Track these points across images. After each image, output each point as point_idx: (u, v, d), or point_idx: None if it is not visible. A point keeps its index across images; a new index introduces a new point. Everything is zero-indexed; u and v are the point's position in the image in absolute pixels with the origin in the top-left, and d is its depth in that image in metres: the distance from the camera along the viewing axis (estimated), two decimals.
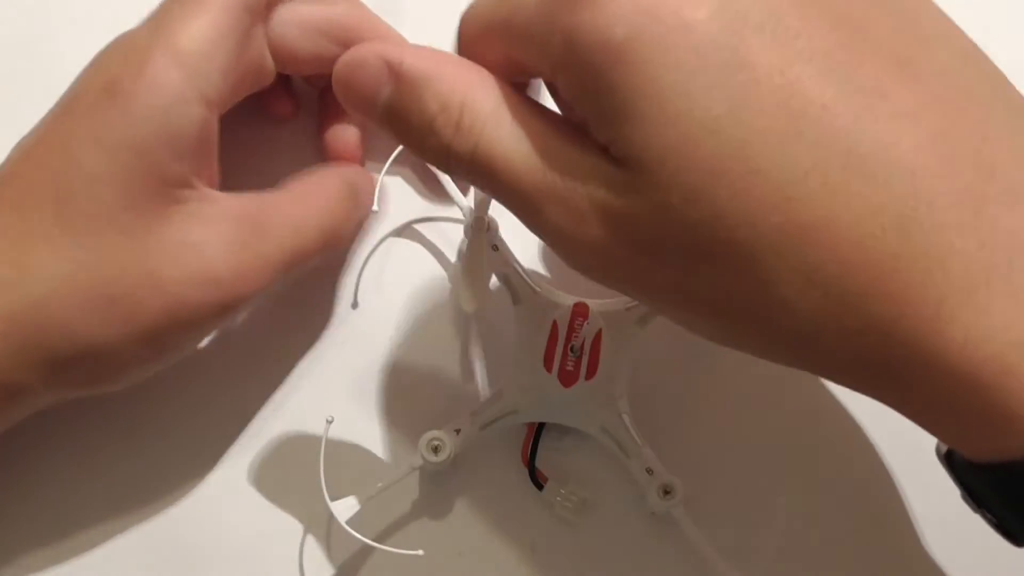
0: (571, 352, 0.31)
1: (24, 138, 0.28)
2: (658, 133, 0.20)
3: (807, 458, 0.33)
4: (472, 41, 0.25)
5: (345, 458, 0.32)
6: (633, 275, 0.23)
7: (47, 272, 0.26)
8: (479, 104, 0.23)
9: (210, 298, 0.27)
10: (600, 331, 0.31)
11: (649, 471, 0.31)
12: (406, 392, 0.33)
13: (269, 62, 0.31)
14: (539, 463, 0.32)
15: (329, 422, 0.30)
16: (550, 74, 0.23)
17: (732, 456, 0.33)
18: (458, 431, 0.31)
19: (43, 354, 0.26)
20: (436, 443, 0.30)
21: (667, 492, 0.30)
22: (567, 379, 0.31)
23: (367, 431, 0.33)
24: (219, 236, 0.27)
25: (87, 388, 0.28)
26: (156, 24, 0.28)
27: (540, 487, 0.32)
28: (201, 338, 0.30)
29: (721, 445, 0.33)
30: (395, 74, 0.23)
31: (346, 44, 0.30)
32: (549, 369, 0.31)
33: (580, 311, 0.32)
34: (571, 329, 0.31)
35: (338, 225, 0.30)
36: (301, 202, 0.30)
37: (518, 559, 0.32)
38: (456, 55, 0.25)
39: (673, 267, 0.22)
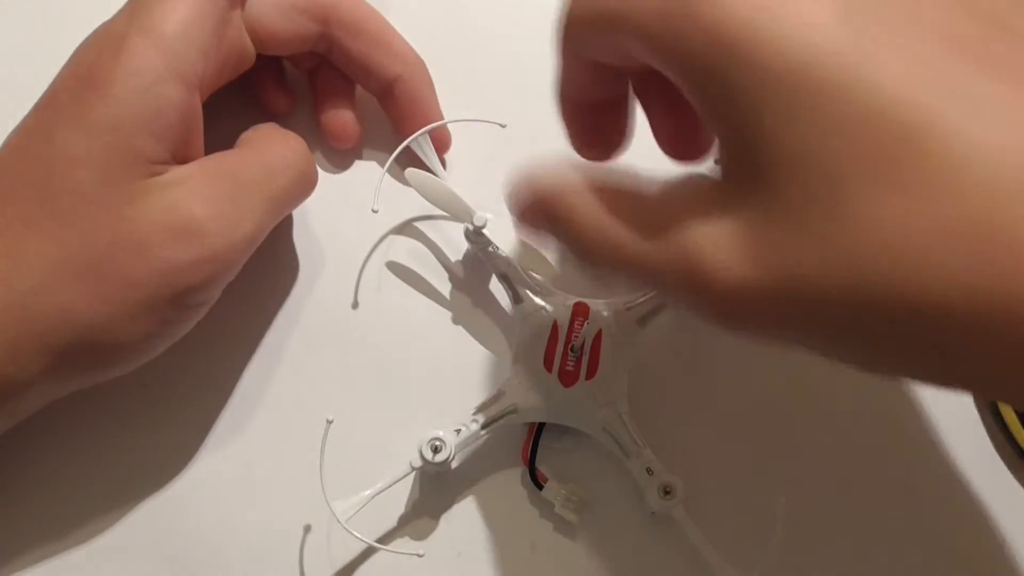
0: (571, 352, 0.31)
1: (11, 133, 0.28)
2: (794, 128, 0.19)
3: (806, 458, 0.33)
4: (581, 25, 0.23)
5: (345, 458, 0.32)
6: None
7: (36, 259, 0.26)
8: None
9: (198, 254, 0.27)
10: (600, 331, 0.31)
11: (649, 471, 0.31)
12: (406, 392, 0.33)
13: (249, 44, 0.31)
14: (539, 463, 0.32)
15: (329, 422, 0.30)
16: (664, 64, 0.21)
17: (732, 456, 0.33)
18: (458, 431, 0.31)
19: (43, 342, 0.26)
20: (436, 443, 0.30)
21: (667, 492, 0.30)
22: (567, 379, 0.31)
23: (367, 431, 0.33)
24: (196, 191, 0.28)
25: (93, 373, 0.28)
26: (133, 10, 0.28)
27: (540, 487, 0.32)
28: (200, 306, 0.29)
29: (721, 445, 0.33)
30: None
31: (324, 21, 0.32)
32: (549, 369, 0.31)
33: (580, 311, 0.32)
34: (571, 329, 0.31)
35: (306, 163, 0.31)
36: (267, 149, 0.30)
37: (518, 559, 0.32)
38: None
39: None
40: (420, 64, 0.34)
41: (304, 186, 0.31)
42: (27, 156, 0.27)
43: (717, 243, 0.20)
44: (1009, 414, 0.32)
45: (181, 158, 0.29)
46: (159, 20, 0.28)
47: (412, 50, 0.34)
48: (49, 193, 0.27)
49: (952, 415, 0.33)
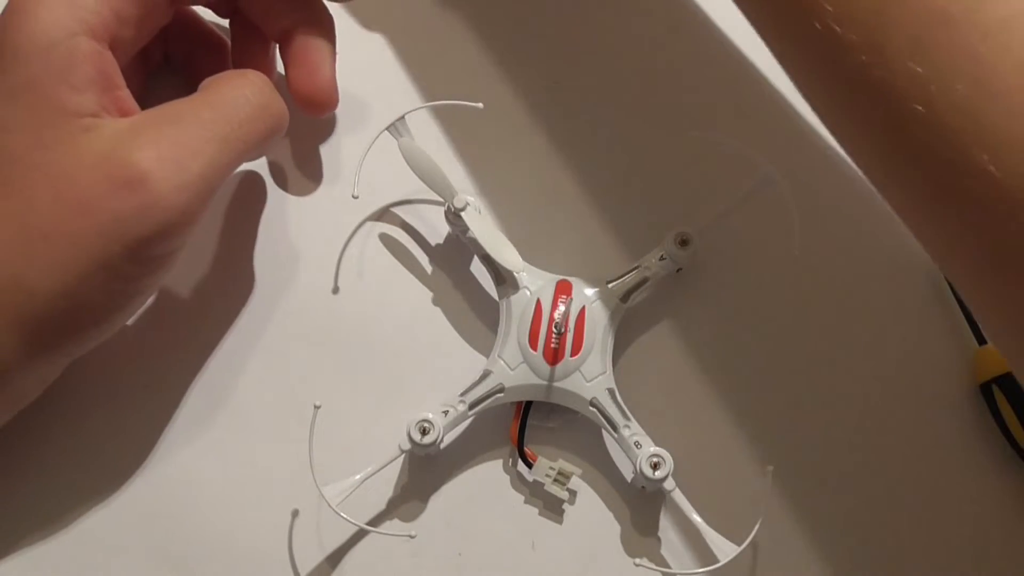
0: (555, 330, 0.31)
1: None
2: None
3: (795, 429, 0.33)
4: None
5: (333, 443, 0.32)
6: None
7: None
8: None
9: (143, 200, 0.26)
10: (584, 308, 0.32)
11: (637, 444, 0.31)
12: (392, 376, 0.33)
13: None
14: (528, 442, 0.32)
15: (317, 408, 0.30)
16: None
17: (719, 427, 0.33)
18: (446, 412, 0.31)
19: (7, 318, 0.26)
20: (424, 425, 0.30)
21: (655, 465, 0.31)
22: (552, 356, 0.31)
23: (355, 416, 0.33)
24: (134, 138, 0.27)
25: (71, 342, 0.28)
26: None
27: (530, 465, 0.32)
28: (162, 258, 0.28)
29: (707, 417, 0.33)
30: None
31: None
32: (534, 347, 0.31)
33: (563, 289, 0.32)
34: (554, 307, 0.32)
35: (266, 96, 0.30)
36: (217, 89, 0.29)
37: (510, 538, 0.32)
38: None
39: None
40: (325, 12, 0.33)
41: (267, 121, 0.30)
42: None
43: None
44: (1009, 414, 0.32)
45: (115, 113, 0.28)
46: None
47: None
48: None
49: (951, 410, 0.33)
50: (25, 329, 0.26)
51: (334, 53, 0.32)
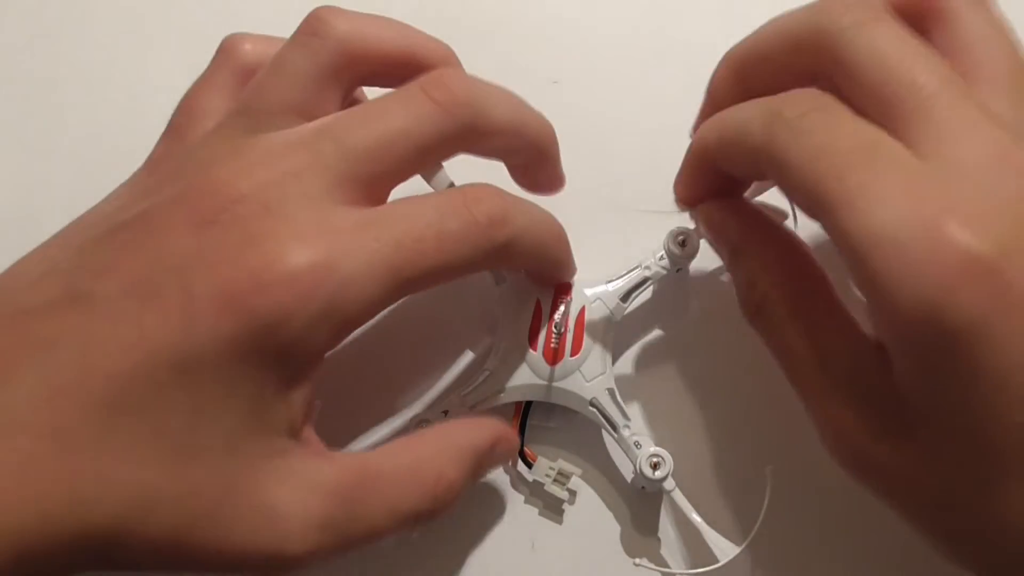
0: (555, 329, 0.31)
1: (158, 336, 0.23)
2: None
3: (795, 430, 0.33)
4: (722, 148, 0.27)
5: (333, 444, 0.32)
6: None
7: (125, 496, 0.22)
8: None
9: (274, 569, 0.24)
10: (583, 308, 0.32)
11: (637, 444, 0.31)
12: (392, 376, 0.33)
13: None
14: (527, 442, 0.32)
15: (316, 409, 0.30)
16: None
17: (719, 427, 0.33)
18: (446, 412, 0.31)
19: (98, 567, 0.23)
20: (424, 425, 0.30)
21: (656, 465, 0.31)
22: (552, 356, 0.31)
23: (354, 415, 0.33)
24: (306, 511, 0.24)
25: None
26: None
27: (529, 465, 0.32)
28: None
29: (707, 417, 0.33)
30: None
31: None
32: (534, 347, 0.31)
33: (563, 289, 0.32)
34: (554, 307, 0.32)
35: (437, 509, 0.26)
36: (408, 480, 0.26)
37: (510, 540, 0.32)
38: None
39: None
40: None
41: (415, 529, 0.26)
42: (156, 385, 0.22)
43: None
44: None
45: (307, 419, 0.25)
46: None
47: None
48: (163, 434, 0.22)
49: None
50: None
51: (559, 159, 0.31)
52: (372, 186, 0.25)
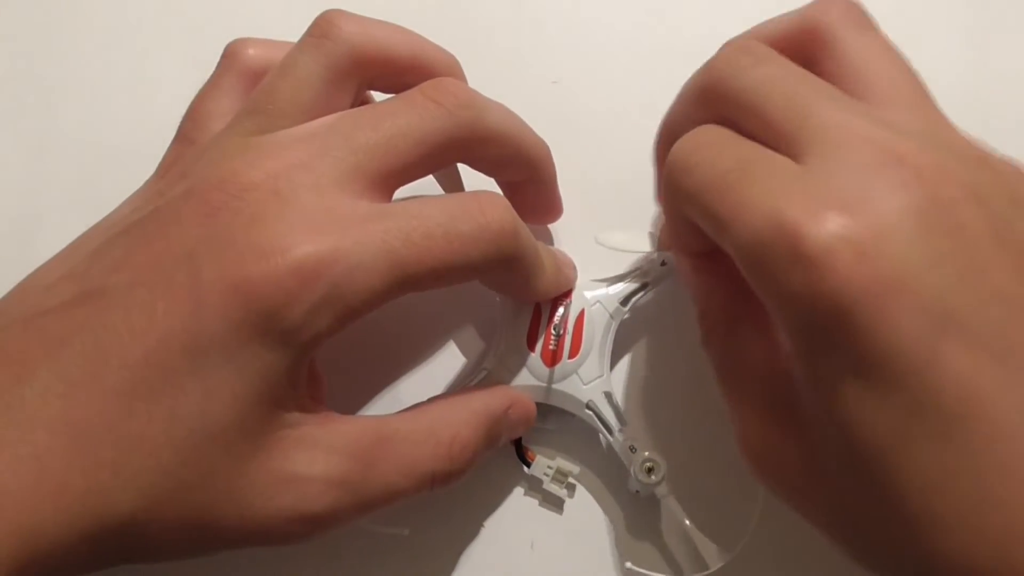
0: (554, 332, 0.31)
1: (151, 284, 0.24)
2: None
3: None
4: (676, 194, 0.26)
5: None
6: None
7: (143, 483, 0.22)
8: None
9: (297, 533, 0.25)
10: (583, 311, 0.32)
11: (632, 448, 0.31)
12: (389, 376, 0.33)
13: None
14: (525, 442, 0.32)
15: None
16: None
17: (714, 433, 0.33)
18: None
19: (121, 559, 0.23)
20: None
21: (650, 470, 0.31)
22: (551, 358, 0.31)
23: (352, 414, 0.33)
24: (324, 473, 0.24)
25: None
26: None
27: (528, 464, 0.32)
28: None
29: (704, 422, 0.33)
30: None
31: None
32: (533, 349, 0.31)
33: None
34: (554, 309, 0.32)
35: (453, 471, 0.27)
36: (424, 440, 0.27)
37: (505, 539, 0.32)
38: None
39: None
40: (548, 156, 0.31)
41: (435, 489, 0.27)
42: (168, 370, 0.23)
43: None
44: None
45: (315, 394, 0.26)
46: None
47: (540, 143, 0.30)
48: (177, 418, 0.23)
49: None
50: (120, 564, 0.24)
51: (556, 184, 0.32)
52: (379, 182, 0.25)
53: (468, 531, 0.32)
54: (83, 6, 0.39)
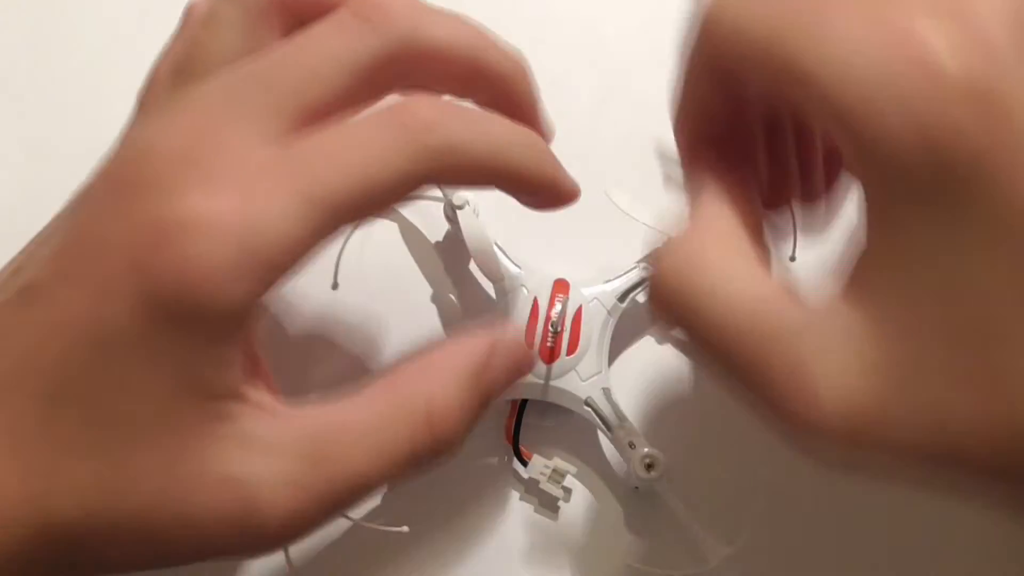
0: (552, 328, 0.31)
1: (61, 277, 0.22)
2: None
3: None
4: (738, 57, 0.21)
5: None
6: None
7: (77, 491, 0.21)
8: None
9: (252, 544, 0.22)
10: (581, 307, 0.32)
11: (631, 445, 0.31)
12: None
13: None
14: (523, 440, 0.32)
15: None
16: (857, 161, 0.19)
17: (713, 429, 0.33)
18: None
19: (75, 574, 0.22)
20: None
21: (649, 465, 0.31)
22: (548, 355, 0.31)
23: None
24: (270, 474, 0.21)
25: None
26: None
27: (525, 464, 0.32)
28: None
29: (702, 418, 0.33)
30: None
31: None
32: (530, 345, 0.31)
33: (560, 288, 0.32)
34: (551, 306, 0.32)
35: (442, 443, 0.23)
36: (393, 417, 0.23)
37: (503, 535, 0.32)
38: None
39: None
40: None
41: (415, 474, 0.24)
42: (74, 360, 0.21)
43: (831, 361, 0.19)
44: None
45: (252, 380, 0.23)
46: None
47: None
48: (96, 418, 0.21)
49: None
50: None
51: (536, 108, 0.27)
52: (306, 118, 0.23)
53: (468, 529, 0.32)
54: (84, 6, 0.39)
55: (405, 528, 0.31)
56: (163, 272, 0.20)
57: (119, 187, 0.22)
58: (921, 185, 0.18)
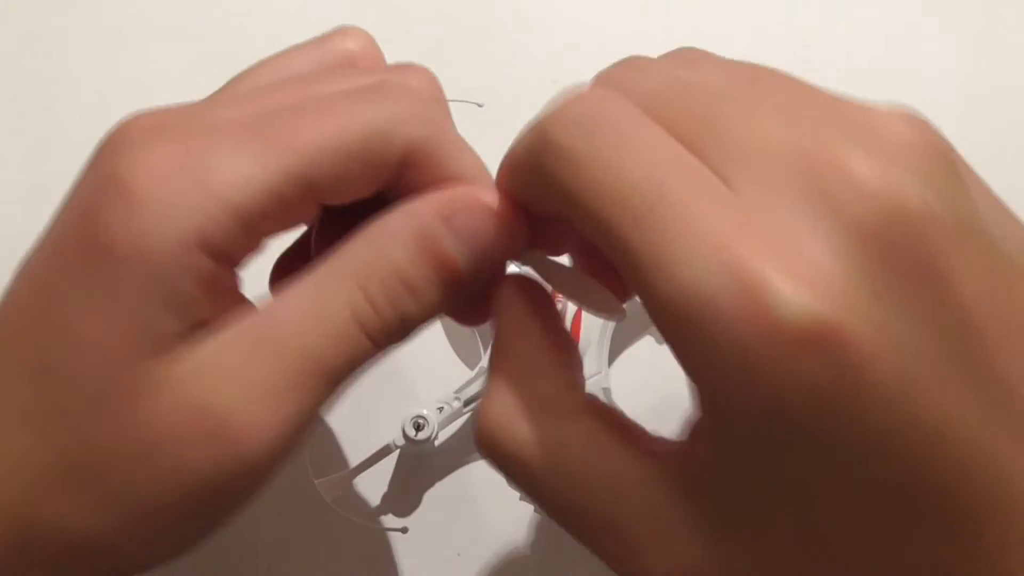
0: None
1: (8, 288, 0.22)
2: None
3: None
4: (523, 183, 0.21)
5: (329, 439, 0.32)
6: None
7: (27, 460, 0.20)
8: None
9: (222, 457, 0.21)
10: (580, 307, 0.32)
11: None
12: (388, 372, 0.33)
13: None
14: None
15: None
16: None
17: None
18: (441, 409, 0.31)
19: (46, 551, 0.21)
20: (419, 421, 0.30)
21: None
22: None
23: (350, 411, 0.33)
24: (217, 371, 0.21)
25: None
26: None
27: None
28: (230, 513, 0.23)
29: None
30: None
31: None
32: None
33: None
34: None
35: (393, 324, 0.22)
36: (324, 293, 0.21)
37: (503, 536, 0.32)
38: None
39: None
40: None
41: (399, 337, 0.22)
42: (22, 331, 0.21)
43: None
44: None
45: (208, 318, 0.21)
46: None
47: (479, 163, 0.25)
48: (47, 381, 0.20)
49: None
50: (62, 570, 0.21)
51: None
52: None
53: (468, 529, 0.32)
54: (84, 6, 0.39)
55: (406, 528, 0.31)
56: (106, 212, 0.20)
57: (95, 154, 0.22)
58: (754, 418, 0.17)
